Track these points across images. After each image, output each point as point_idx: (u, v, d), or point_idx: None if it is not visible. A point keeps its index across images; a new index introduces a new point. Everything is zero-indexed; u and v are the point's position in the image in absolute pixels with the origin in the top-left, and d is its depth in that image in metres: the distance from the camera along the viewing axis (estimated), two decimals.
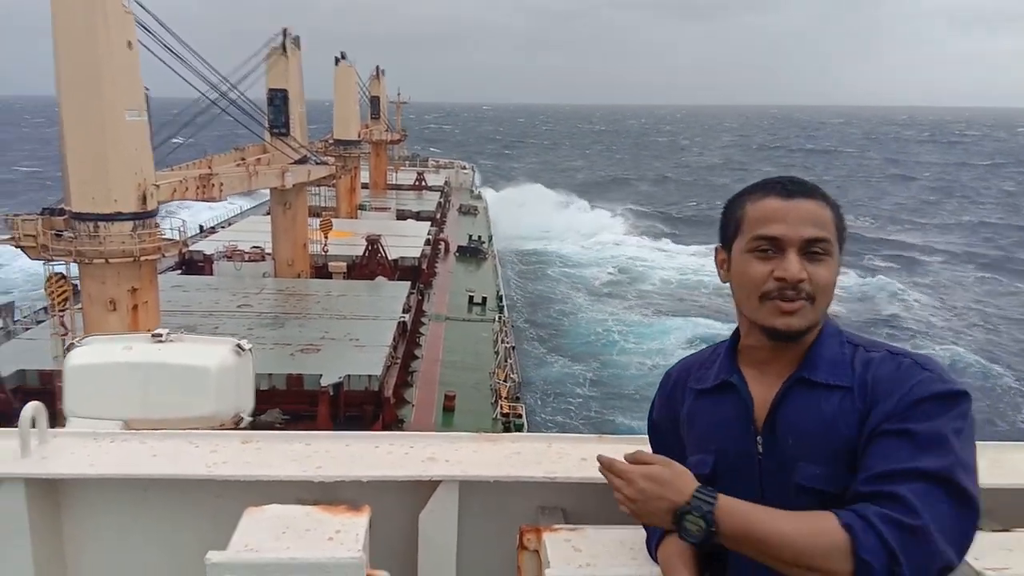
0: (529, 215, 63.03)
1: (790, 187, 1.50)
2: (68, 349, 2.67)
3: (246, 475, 2.05)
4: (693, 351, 1.88)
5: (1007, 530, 1.96)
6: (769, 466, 1.51)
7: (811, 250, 1.46)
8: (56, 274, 17.77)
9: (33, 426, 2.08)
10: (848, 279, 44.01)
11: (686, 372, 1.73)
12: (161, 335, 2.65)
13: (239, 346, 2.72)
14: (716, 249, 1.64)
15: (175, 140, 21.50)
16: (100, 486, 2.08)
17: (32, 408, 2.02)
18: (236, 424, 2.77)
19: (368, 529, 1.84)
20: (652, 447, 1.83)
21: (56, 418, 2.90)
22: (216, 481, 2.05)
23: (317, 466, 2.11)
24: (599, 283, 47.29)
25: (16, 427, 2.06)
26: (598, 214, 68.00)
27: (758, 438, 1.52)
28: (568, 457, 2.27)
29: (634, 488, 1.49)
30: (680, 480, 1.45)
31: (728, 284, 1.60)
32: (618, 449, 2.29)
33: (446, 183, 64.34)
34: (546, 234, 59.90)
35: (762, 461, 1.51)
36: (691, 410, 1.67)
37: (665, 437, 1.78)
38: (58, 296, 17.77)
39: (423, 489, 2.13)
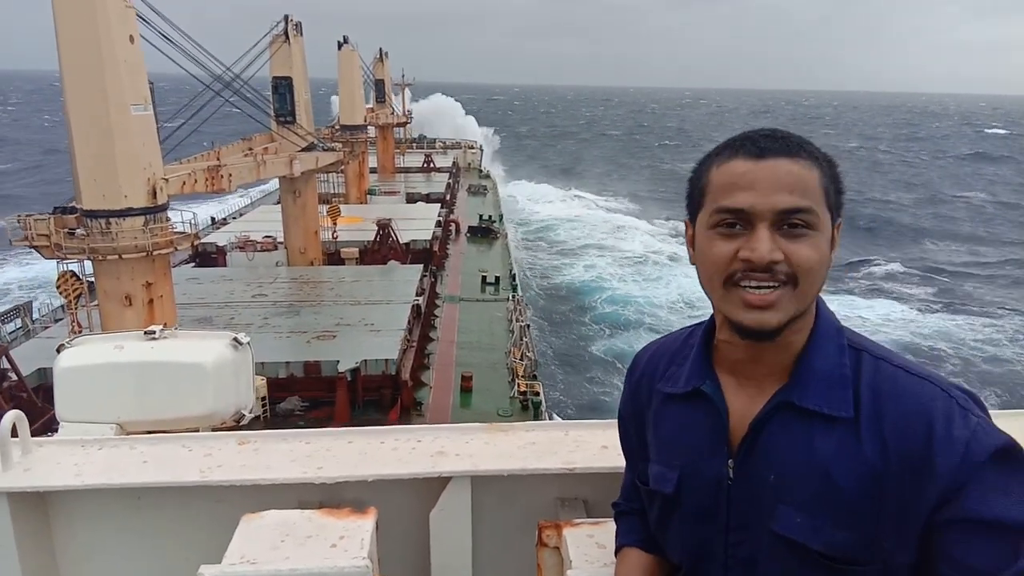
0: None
1: (763, 144, 1.20)
2: (58, 350, 2.56)
3: (243, 479, 1.92)
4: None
5: None
6: (738, 496, 1.28)
7: (789, 223, 1.17)
8: (67, 272, 17.83)
9: (15, 435, 1.96)
10: None
11: (654, 365, 1.48)
12: (154, 332, 2.54)
13: (236, 340, 2.59)
14: (685, 223, 1.35)
15: (179, 122, 21.31)
16: (89, 497, 1.95)
17: (12, 416, 1.89)
18: (237, 422, 2.65)
19: (375, 532, 1.71)
20: (620, 441, 1.63)
21: None
22: (211, 487, 1.92)
23: (319, 466, 1.98)
24: None
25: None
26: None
27: (730, 461, 1.29)
28: (587, 445, 2.12)
29: None
30: None
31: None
32: None
33: (454, 164, 64.04)
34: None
35: (731, 488, 1.29)
36: (657, 414, 1.44)
37: (629, 434, 1.57)
38: (72, 294, 17.84)
39: (433, 486, 2.00)
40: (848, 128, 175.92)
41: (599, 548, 1.74)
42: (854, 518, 1.18)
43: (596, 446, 2.10)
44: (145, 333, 2.55)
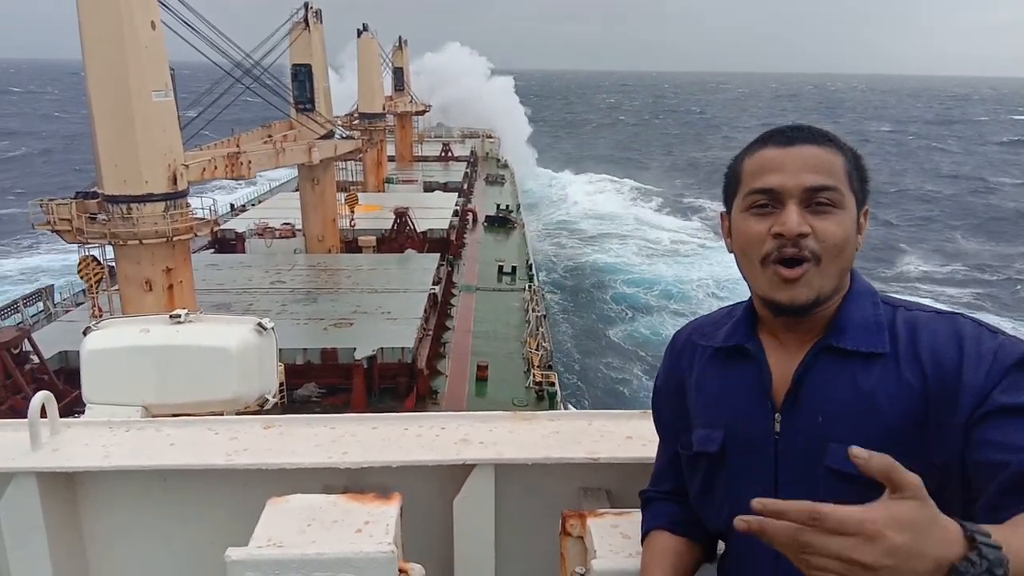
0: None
1: (790, 134, 1.31)
2: (84, 333, 2.59)
3: (268, 463, 1.93)
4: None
5: None
6: (787, 448, 1.31)
7: (815, 201, 1.26)
8: (88, 256, 18.02)
9: (44, 416, 1.98)
10: None
11: (697, 332, 1.54)
12: (180, 316, 2.55)
13: (260, 325, 2.60)
14: (720, 215, 1.44)
15: (199, 109, 21.38)
16: (116, 478, 1.97)
17: (41, 398, 1.91)
18: (261, 407, 2.67)
19: (399, 518, 1.71)
20: (654, 420, 1.65)
21: None
22: (237, 471, 1.93)
23: (343, 451, 1.98)
24: None
25: (27, 418, 1.96)
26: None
27: (776, 415, 1.33)
28: (611, 435, 2.11)
29: (881, 547, 0.88)
30: (939, 523, 0.92)
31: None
32: None
33: (472, 153, 63.99)
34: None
35: (779, 442, 1.32)
36: (700, 375, 1.48)
37: (663, 410, 1.60)
38: (92, 278, 18.04)
39: (457, 473, 2.00)
40: (877, 113, 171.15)
41: (624, 538, 1.73)
42: (905, 445, 1.20)
43: (620, 436, 2.09)
44: (171, 317, 2.57)
